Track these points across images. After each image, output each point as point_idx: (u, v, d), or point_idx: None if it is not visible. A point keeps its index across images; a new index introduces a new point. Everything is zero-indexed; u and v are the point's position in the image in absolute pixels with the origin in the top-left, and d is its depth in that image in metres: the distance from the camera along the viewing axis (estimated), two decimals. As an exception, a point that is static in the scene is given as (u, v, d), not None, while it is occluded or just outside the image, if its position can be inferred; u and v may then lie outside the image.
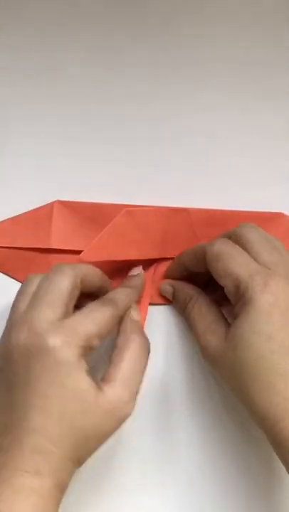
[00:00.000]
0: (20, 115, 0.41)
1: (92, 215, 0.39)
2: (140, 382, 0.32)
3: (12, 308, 0.33)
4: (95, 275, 0.35)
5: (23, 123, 0.41)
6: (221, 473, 0.38)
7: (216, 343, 0.33)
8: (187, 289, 0.37)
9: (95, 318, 0.31)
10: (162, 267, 0.40)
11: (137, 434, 0.38)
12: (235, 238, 0.34)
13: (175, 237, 0.39)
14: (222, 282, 0.33)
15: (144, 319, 0.37)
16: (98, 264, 0.35)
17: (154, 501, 0.38)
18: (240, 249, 0.33)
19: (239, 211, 0.40)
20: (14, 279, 0.39)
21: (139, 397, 0.32)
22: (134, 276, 0.38)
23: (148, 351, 0.33)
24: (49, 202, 0.39)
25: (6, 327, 0.32)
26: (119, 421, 0.31)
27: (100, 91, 0.41)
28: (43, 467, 0.29)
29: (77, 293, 0.33)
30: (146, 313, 0.38)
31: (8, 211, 0.39)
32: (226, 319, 0.34)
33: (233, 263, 0.32)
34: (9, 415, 0.30)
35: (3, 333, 0.32)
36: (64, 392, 0.29)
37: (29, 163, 0.41)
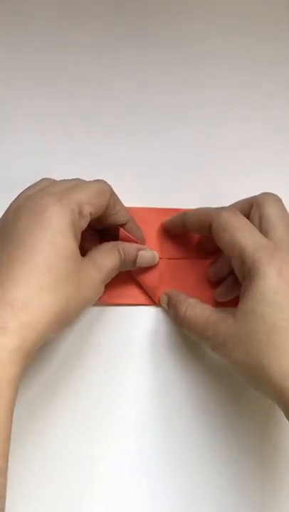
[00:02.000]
0: (20, 113, 0.41)
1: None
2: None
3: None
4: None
5: (23, 121, 0.41)
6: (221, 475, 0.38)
7: (223, 328, 0.33)
8: (178, 295, 0.38)
9: (86, 187, 0.33)
10: (164, 269, 0.40)
11: (137, 432, 0.38)
12: (256, 207, 0.35)
13: (172, 237, 0.40)
14: (228, 253, 0.34)
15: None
16: None
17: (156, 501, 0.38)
18: (246, 220, 0.34)
19: None
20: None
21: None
22: None
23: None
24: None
25: None
26: (92, 299, 0.33)
27: (100, 89, 0.42)
28: (11, 320, 0.28)
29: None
30: None
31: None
32: (221, 311, 0.34)
33: (240, 234, 0.33)
34: None
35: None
36: (54, 248, 0.30)
37: (27, 163, 0.41)
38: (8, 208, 0.33)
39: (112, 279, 0.36)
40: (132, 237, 0.37)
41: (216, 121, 0.42)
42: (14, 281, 0.29)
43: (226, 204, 0.38)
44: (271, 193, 0.35)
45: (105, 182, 0.35)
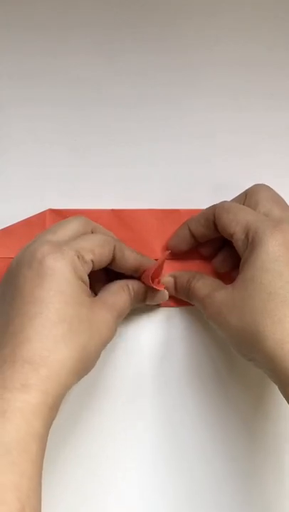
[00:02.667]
0: (17, 119, 0.41)
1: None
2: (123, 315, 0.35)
3: None
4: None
5: (19, 127, 0.41)
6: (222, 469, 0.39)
7: (221, 295, 0.33)
8: (189, 272, 0.38)
9: (88, 238, 0.33)
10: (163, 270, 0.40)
11: (138, 428, 0.39)
12: (250, 195, 0.35)
13: (168, 238, 0.40)
14: (231, 230, 0.33)
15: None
16: None
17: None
18: (246, 206, 0.35)
19: None
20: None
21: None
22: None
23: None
24: (35, 209, 0.39)
25: None
26: (107, 339, 0.32)
27: (100, 92, 0.41)
28: (31, 378, 0.28)
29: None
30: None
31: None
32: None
33: (243, 213, 0.33)
34: (6, 328, 0.30)
35: None
36: (63, 298, 0.30)
37: (21, 171, 0.41)
38: (12, 260, 0.33)
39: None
40: (153, 271, 0.36)
41: (216, 126, 0.42)
42: (28, 337, 0.29)
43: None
44: (262, 183, 0.36)
45: (109, 235, 0.35)
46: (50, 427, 0.29)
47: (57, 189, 0.41)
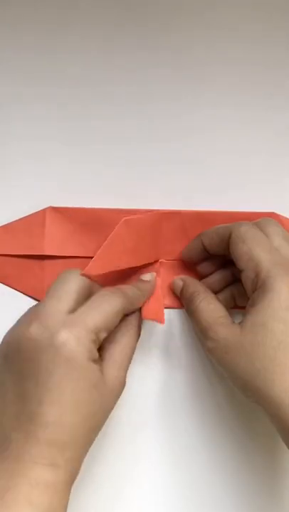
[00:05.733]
0: (18, 116, 0.41)
1: (86, 221, 0.39)
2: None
3: None
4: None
5: (20, 125, 0.41)
6: (223, 474, 0.39)
7: (228, 333, 0.33)
8: (197, 285, 0.38)
9: (103, 310, 0.32)
10: (164, 271, 0.40)
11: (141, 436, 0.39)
12: (260, 228, 0.35)
13: (168, 239, 0.40)
14: (243, 265, 0.33)
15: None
16: (102, 275, 0.35)
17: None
18: (264, 235, 0.34)
19: (231, 212, 0.39)
20: (8, 286, 0.39)
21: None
22: (145, 281, 0.38)
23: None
24: (36, 207, 0.39)
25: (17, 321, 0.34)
26: (118, 397, 0.34)
27: (100, 91, 0.41)
28: (58, 459, 0.30)
29: (88, 292, 0.34)
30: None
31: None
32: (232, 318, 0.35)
33: (259, 248, 0.33)
34: (21, 408, 0.30)
35: (13, 326, 0.33)
36: (78, 384, 0.30)
37: (21, 169, 0.41)
38: (22, 334, 0.32)
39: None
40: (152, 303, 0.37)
41: (215, 125, 0.42)
42: (48, 421, 0.30)
43: (225, 207, 0.38)
44: (268, 218, 0.36)
45: (126, 298, 0.34)
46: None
47: (57, 187, 0.41)
